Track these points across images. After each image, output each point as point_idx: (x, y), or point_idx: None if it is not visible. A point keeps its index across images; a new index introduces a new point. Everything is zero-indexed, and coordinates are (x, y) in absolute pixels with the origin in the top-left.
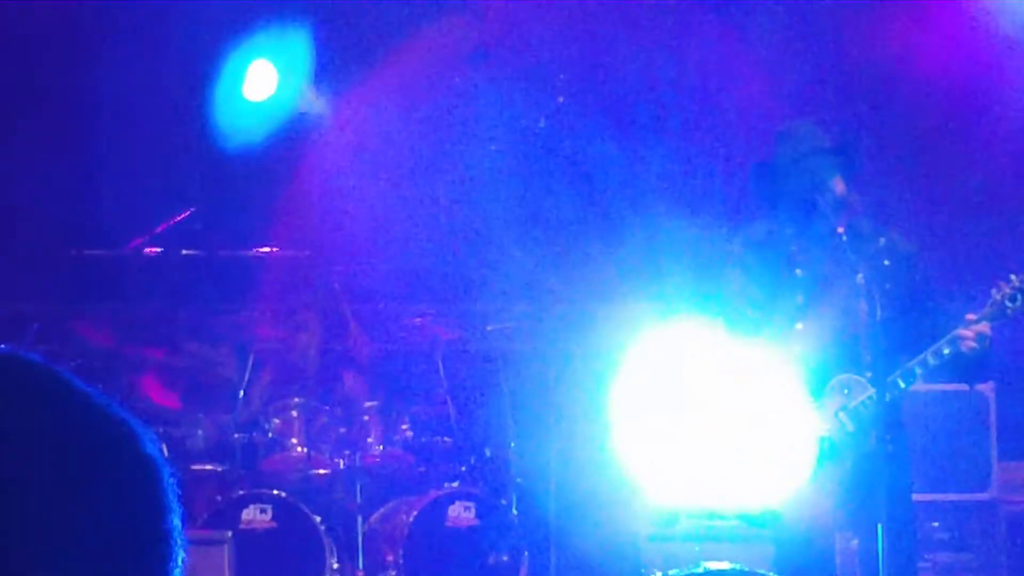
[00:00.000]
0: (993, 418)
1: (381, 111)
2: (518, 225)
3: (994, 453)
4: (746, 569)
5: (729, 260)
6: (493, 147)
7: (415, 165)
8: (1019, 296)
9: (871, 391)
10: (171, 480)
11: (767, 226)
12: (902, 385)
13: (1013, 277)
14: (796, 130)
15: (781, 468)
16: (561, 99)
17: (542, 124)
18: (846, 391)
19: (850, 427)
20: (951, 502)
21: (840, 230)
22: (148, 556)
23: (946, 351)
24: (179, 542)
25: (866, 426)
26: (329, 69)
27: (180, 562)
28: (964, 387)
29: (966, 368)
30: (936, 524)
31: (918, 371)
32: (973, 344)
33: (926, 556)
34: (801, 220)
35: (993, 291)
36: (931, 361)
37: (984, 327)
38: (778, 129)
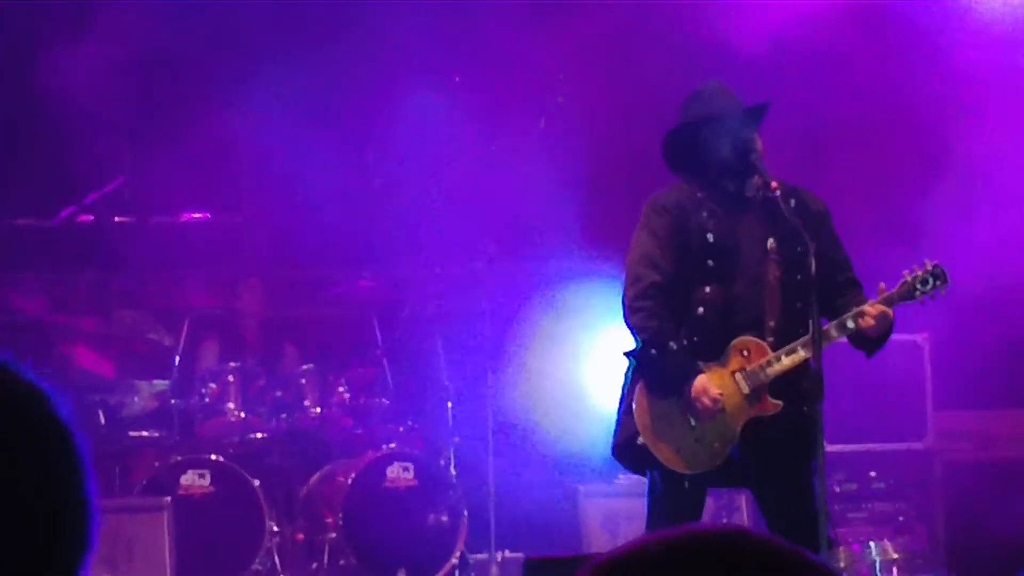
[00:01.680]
0: (928, 367)
1: (312, 75)
2: (451, 187)
3: (929, 402)
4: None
5: (641, 225)
6: (423, 103)
7: (346, 126)
8: (930, 280)
9: (769, 355)
10: (81, 445)
11: (678, 191)
12: (802, 354)
13: (926, 262)
14: (710, 92)
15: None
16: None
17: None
18: (745, 353)
19: (745, 389)
20: (887, 451)
21: (774, 185)
22: (60, 525)
23: (849, 324)
24: (92, 508)
25: (762, 389)
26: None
27: (92, 529)
28: (897, 337)
29: (864, 342)
30: (873, 474)
31: (833, 333)
32: (872, 322)
33: (864, 506)
34: (720, 182)
35: (905, 272)
36: (834, 334)
37: (885, 308)
38: (689, 93)
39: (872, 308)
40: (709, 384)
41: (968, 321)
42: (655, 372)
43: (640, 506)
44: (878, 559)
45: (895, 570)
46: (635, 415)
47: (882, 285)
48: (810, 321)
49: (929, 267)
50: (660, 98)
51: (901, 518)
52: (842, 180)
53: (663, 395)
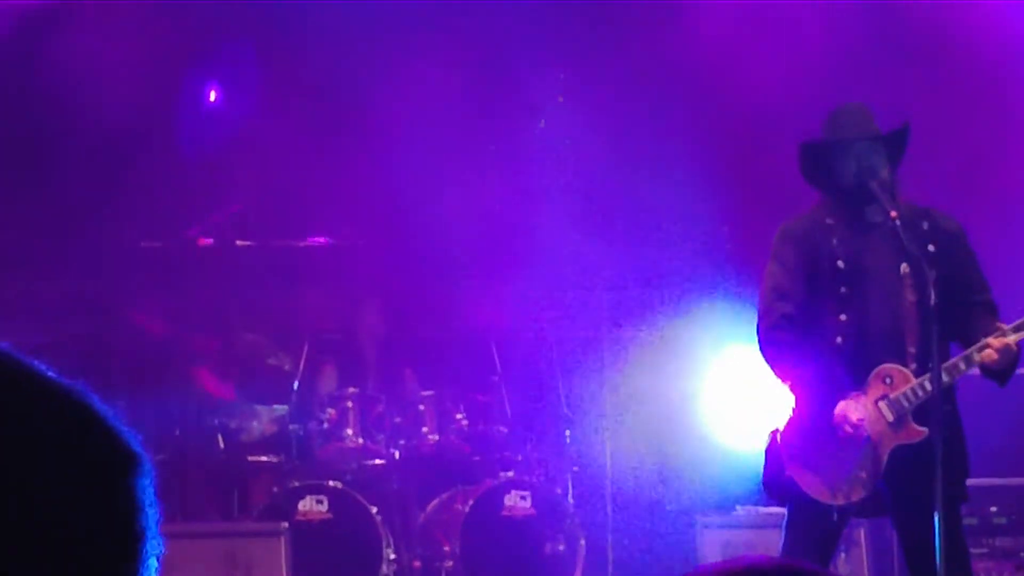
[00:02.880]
0: None
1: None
2: (574, 211)
3: None
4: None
5: (772, 256)
6: (543, 126)
7: (462, 151)
8: None
9: (913, 382)
10: (147, 475)
11: (807, 219)
12: (946, 379)
13: None
14: (848, 114)
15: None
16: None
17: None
18: (888, 380)
19: (890, 417)
20: (1008, 486)
21: (894, 215)
22: (112, 557)
23: (976, 358)
24: (153, 541)
25: (906, 416)
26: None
27: (155, 563)
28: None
29: (992, 374)
30: (994, 508)
31: (958, 369)
32: (995, 356)
33: (984, 541)
34: (845, 207)
35: None
36: (962, 366)
37: (1011, 341)
38: (830, 110)
39: (996, 342)
40: (850, 409)
41: None
42: (796, 404)
43: (758, 537)
44: None
45: None
46: (781, 448)
47: (1001, 325)
48: (933, 349)
49: None
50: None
51: (1022, 553)
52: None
53: (805, 426)
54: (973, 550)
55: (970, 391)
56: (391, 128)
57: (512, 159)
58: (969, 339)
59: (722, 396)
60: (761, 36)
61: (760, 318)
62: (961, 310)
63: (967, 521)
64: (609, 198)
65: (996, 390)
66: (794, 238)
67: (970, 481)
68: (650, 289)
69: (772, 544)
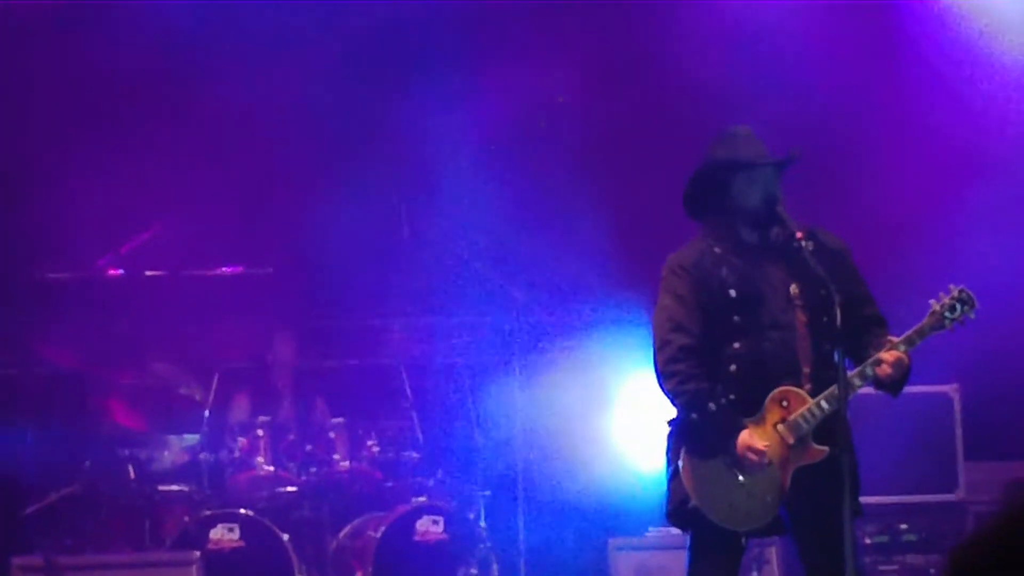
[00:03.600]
0: (958, 418)
1: (342, 130)
2: (483, 240)
3: (960, 454)
4: None
5: (663, 290)
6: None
7: (376, 179)
8: (958, 307)
9: (810, 403)
10: None
11: (694, 249)
12: (829, 406)
13: (952, 288)
14: (743, 137)
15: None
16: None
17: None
18: (784, 403)
19: (790, 440)
20: (919, 503)
21: (799, 235)
22: None
23: (869, 372)
24: None
25: (807, 437)
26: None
27: None
28: (927, 388)
29: (885, 387)
30: (904, 526)
31: (856, 383)
32: (889, 371)
33: (895, 558)
34: (735, 231)
35: (932, 302)
36: (857, 382)
37: (900, 354)
38: (721, 133)
39: (888, 356)
40: (753, 439)
41: (998, 372)
42: (698, 435)
43: (671, 558)
44: None
45: None
46: (683, 479)
47: (891, 338)
48: (839, 370)
49: (956, 293)
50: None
51: (932, 570)
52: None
53: (710, 456)
54: (884, 567)
55: (880, 409)
56: (303, 158)
57: (421, 187)
58: (861, 355)
59: (633, 418)
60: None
61: (657, 351)
62: (850, 326)
63: (878, 539)
64: (517, 224)
65: (903, 408)
66: (684, 269)
67: (882, 499)
68: (561, 313)
69: (684, 566)
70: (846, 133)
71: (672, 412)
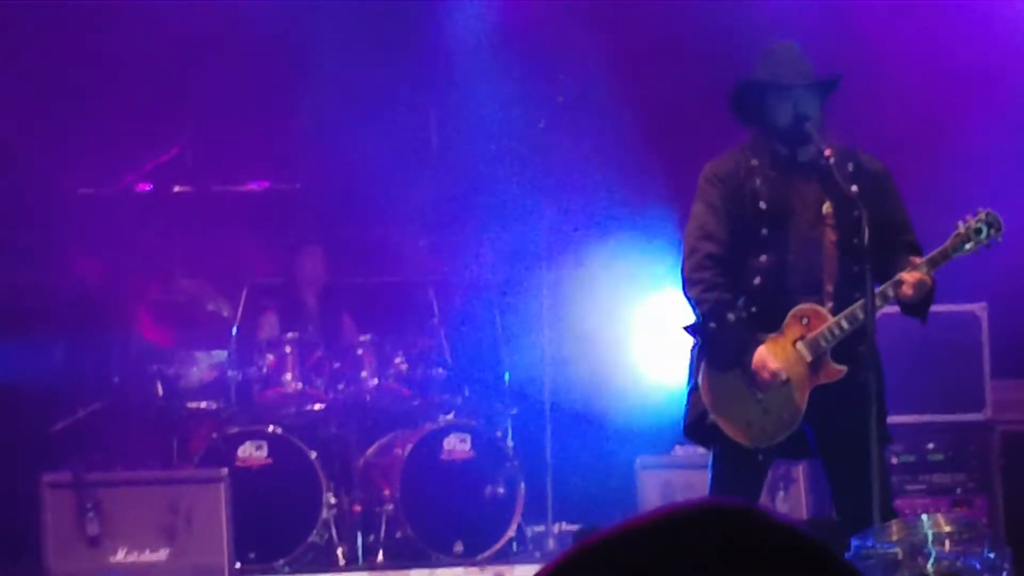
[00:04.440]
0: (985, 338)
1: (368, 42)
2: (511, 154)
3: (987, 373)
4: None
5: (697, 197)
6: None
7: (405, 93)
8: (984, 229)
9: (830, 321)
10: None
11: (731, 160)
12: (860, 317)
13: (980, 210)
14: (784, 55)
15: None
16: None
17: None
18: (805, 321)
19: (808, 357)
20: (945, 423)
21: (828, 153)
22: None
23: (890, 293)
24: None
25: (825, 356)
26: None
27: None
28: (954, 307)
29: (910, 310)
30: (931, 445)
31: (877, 303)
32: (910, 292)
33: (921, 477)
34: (773, 147)
35: (959, 223)
36: (879, 302)
37: (922, 275)
38: (764, 49)
39: (909, 276)
40: (769, 356)
41: None
42: (715, 345)
43: (697, 477)
44: (930, 532)
45: (947, 543)
46: (702, 394)
47: (915, 259)
48: (866, 289)
49: (983, 215)
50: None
51: (959, 490)
52: (895, 134)
53: (725, 369)
54: (910, 486)
55: (906, 329)
56: (334, 72)
57: (451, 102)
58: (889, 275)
59: (661, 336)
60: None
61: (685, 258)
62: (884, 250)
63: (904, 458)
64: (548, 143)
65: (930, 327)
66: (719, 179)
67: (907, 418)
68: (590, 230)
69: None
70: (874, 51)
71: (688, 319)
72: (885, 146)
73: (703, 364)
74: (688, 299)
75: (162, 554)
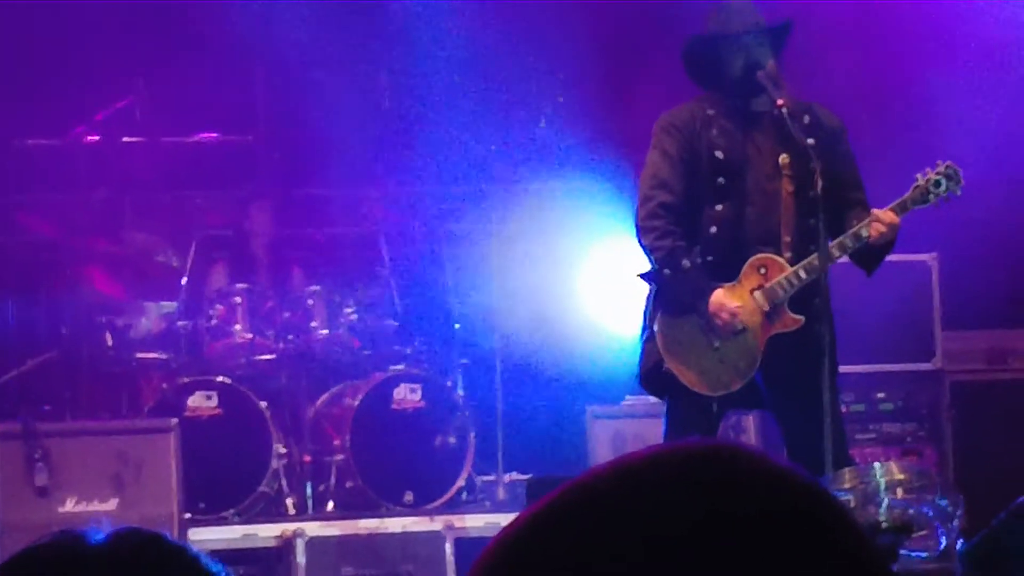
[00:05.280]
0: (936, 288)
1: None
2: (462, 106)
3: (937, 323)
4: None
5: (652, 146)
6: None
7: (356, 48)
8: (943, 182)
9: (788, 271)
10: None
11: (687, 110)
12: (816, 264)
13: (939, 163)
14: (734, 8)
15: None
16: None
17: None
18: (762, 270)
19: (766, 307)
20: (896, 372)
21: (780, 103)
22: None
23: (863, 233)
24: None
25: (782, 306)
26: None
27: None
28: (905, 257)
29: (867, 257)
30: (881, 395)
31: (835, 253)
32: (883, 229)
33: (871, 427)
34: (729, 98)
35: (918, 175)
36: (848, 244)
37: (895, 217)
38: (714, 4)
39: (884, 215)
40: (726, 299)
41: (976, 240)
42: (670, 292)
43: (648, 427)
44: (883, 480)
45: (900, 491)
46: (657, 342)
47: (875, 211)
48: (820, 238)
49: (942, 168)
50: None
51: (909, 439)
52: (845, 86)
53: (681, 315)
54: (860, 436)
55: (857, 279)
56: (282, 22)
57: (402, 56)
58: (843, 230)
59: (613, 286)
60: None
61: (639, 207)
62: (834, 206)
63: (854, 408)
64: (496, 93)
65: (880, 277)
66: (674, 128)
67: (858, 368)
68: (539, 182)
69: (660, 434)
70: (826, 8)
71: (642, 267)
72: (836, 102)
73: (658, 312)
74: (642, 247)
75: (111, 504)
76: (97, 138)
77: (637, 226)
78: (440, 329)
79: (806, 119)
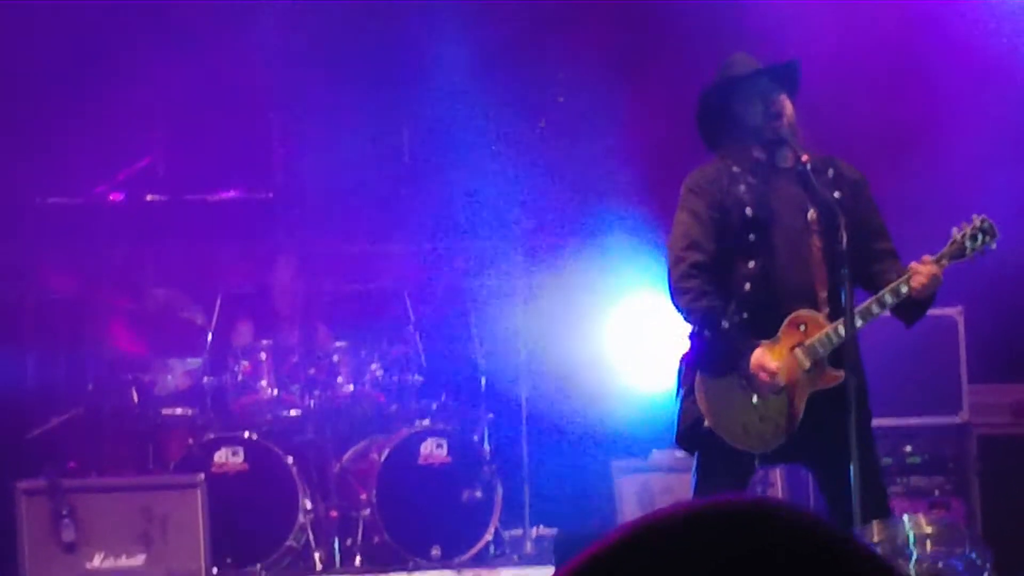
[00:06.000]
0: (962, 340)
1: (343, 52)
2: (483, 162)
3: (964, 375)
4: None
5: (680, 207)
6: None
7: (377, 103)
8: (980, 236)
9: (828, 328)
10: None
11: (713, 169)
12: (859, 323)
13: (975, 217)
14: (738, 59)
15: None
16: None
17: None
18: (802, 327)
19: (806, 364)
20: (923, 426)
21: (805, 159)
22: None
23: (903, 289)
24: None
25: (822, 362)
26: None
27: None
28: (932, 311)
29: (908, 309)
30: (908, 448)
31: (875, 310)
32: (924, 280)
33: (899, 480)
34: (752, 153)
35: (954, 230)
36: (888, 299)
37: (937, 269)
38: (719, 66)
39: (923, 267)
40: (765, 357)
41: (1002, 294)
42: (711, 352)
43: (674, 481)
44: (911, 533)
45: (928, 544)
46: (697, 399)
47: (927, 257)
48: (843, 293)
49: (978, 223)
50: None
51: (937, 492)
52: (871, 145)
53: (722, 374)
54: (889, 489)
55: (884, 332)
56: (303, 82)
57: (424, 110)
58: (874, 285)
59: (638, 341)
60: None
61: (671, 268)
62: (864, 258)
63: (883, 461)
64: (520, 145)
65: (907, 330)
66: (702, 188)
67: (886, 421)
68: (564, 236)
69: (688, 488)
70: (855, 57)
71: (679, 327)
72: (856, 157)
73: (698, 372)
74: (678, 309)
75: (139, 559)
76: (121, 196)
77: (672, 288)
78: (466, 384)
79: (830, 173)
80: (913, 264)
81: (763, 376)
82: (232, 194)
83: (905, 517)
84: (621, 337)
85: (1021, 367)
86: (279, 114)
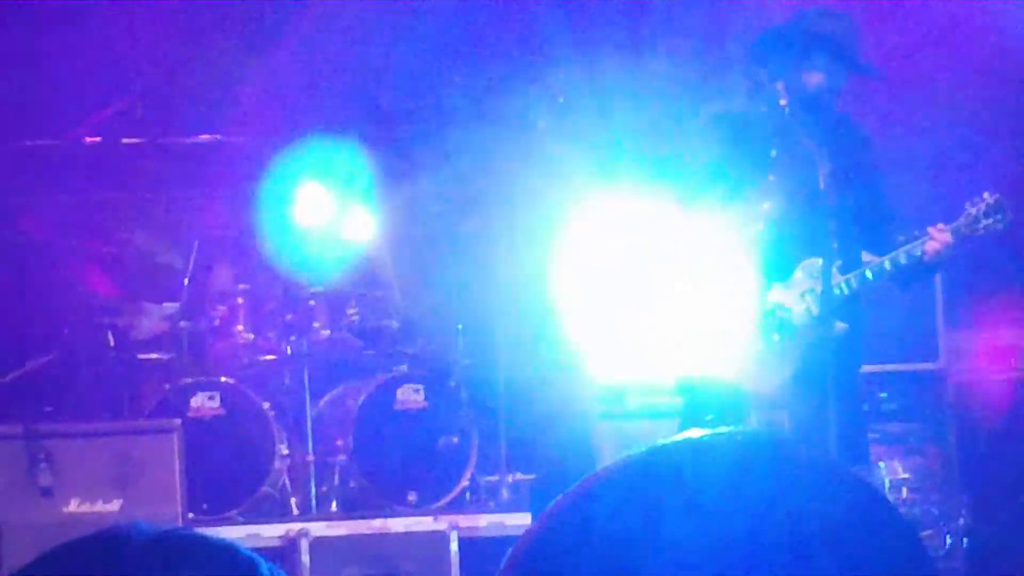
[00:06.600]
0: (939, 288)
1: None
2: (461, 102)
3: (940, 323)
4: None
5: (700, 131)
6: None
7: (357, 46)
8: (992, 213)
9: (839, 279)
10: None
11: (743, 102)
12: (869, 277)
13: (986, 195)
14: (844, 26)
15: (730, 342)
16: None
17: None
18: (814, 275)
19: (815, 310)
20: (899, 372)
21: (838, 115)
22: None
23: (917, 252)
24: None
25: (829, 311)
26: None
27: None
28: None
29: (915, 272)
30: (884, 395)
31: (887, 267)
32: (938, 247)
33: (875, 427)
34: (789, 99)
35: (968, 204)
36: (902, 260)
37: (951, 239)
38: (822, 6)
39: (940, 234)
40: (782, 296)
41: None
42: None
43: (654, 427)
44: (887, 479)
45: (905, 490)
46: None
47: (941, 226)
48: (833, 247)
49: (991, 200)
50: None
51: (912, 439)
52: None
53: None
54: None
55: None
56: (282, 25)
57: (405, 49)
58: (881, 246)
59: (619, 284)
60: None
61: (683, 194)
62: (875, 218)
63: None
64: (499, 90)
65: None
66: (729, 119)
67: (862, 368)
68: (542, 179)
69: (666, 434)
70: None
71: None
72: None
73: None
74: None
75: (115, 504)
76: (97, 139)
77: (687, 218)
78: (443, 329)
79: (843, 130)
80: (931, 229)
81: (778, 313)
82: (210, 137)
83: (881, 463)
84: (604, 281)
85: (997, 314)
86: (257, 55)
